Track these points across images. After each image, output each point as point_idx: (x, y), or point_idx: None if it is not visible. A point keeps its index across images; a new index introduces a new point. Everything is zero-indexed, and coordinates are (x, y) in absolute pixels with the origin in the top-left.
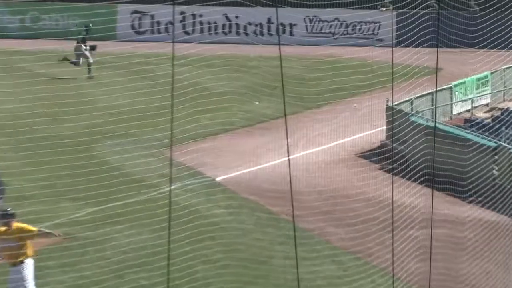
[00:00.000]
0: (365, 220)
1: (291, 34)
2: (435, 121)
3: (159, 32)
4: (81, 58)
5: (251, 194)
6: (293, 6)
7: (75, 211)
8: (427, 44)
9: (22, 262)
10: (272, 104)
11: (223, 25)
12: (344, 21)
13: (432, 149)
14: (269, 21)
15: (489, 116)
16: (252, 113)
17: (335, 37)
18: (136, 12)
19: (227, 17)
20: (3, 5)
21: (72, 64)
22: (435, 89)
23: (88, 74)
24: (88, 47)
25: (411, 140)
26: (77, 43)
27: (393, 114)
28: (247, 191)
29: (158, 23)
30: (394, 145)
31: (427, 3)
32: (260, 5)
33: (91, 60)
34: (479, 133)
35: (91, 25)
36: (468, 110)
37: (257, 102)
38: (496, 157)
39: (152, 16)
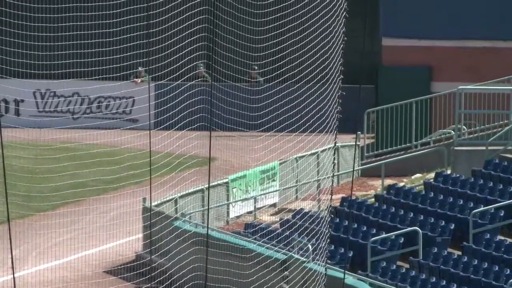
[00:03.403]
0: None
1: (17, 113)
2: (208, 227)
3: None
4: None
5: None
6: (18, 76)
7: None
8: (196, 126)
9: None
10: None
11: None
12: (87, 96)
13: (204, 262)
14: None
15: (277, 220)
16: None
17: (74, 116)
18: None
19: None
20: None
21: None
22: (207, 185)
23: None
24: None
25: (174, 251)
26: None
27: (151, 218)
28: None
29: None
30: (152, 257)
31: (196, 81)
32: None
33: None
34: (263, 242)
35: None
36: (249, 212)
37: None
38: (286, 272)
39: None
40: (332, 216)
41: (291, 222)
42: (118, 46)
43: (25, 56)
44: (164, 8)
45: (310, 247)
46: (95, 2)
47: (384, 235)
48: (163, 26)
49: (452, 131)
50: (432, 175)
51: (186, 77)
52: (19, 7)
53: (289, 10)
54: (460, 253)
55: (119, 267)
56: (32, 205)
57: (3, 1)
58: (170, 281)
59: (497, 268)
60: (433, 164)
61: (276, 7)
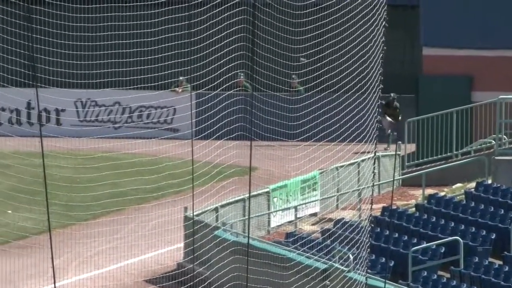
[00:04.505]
0: None
1: (58, 123)
2: (248, 236)
3: None
4: None
5: None
6: (60, 85)
7: None
8: (235, 135)
9: None
10: (33, 214)
11: None
12: (128, 105)
13: (244, 272)
14: (29, 106)
15: (318, 229)
16: (7, 226)
17: (115, 126)
18: None
19: None
20: None
21: None
22: (247, 194)
23: None
24: None
25: (214, 260)
26: None
27: (193, 226)
28: None
29: None
30: (193, 266)
31: (234, 90)
32: (17, 85)
33: None
34: (304, 252)
35: None
36: (290, 222)
37: (9, 212)
38: (327, 281)
39: None
40: (373, 225)
41: (331, 231)
42: (159, 55)
43: (66, 65)
44: (204, 17)
45: (351, 256)
46: (136, 11)
47: (425, 245)
48: (204, 35)
49: (493, 141)
50: (473, 184)
51: (225, 86)
52: (59, 16)
53: (328, 19)
54: (501, 262)
55: (159, 276)
56: (73, 215)
57: (43, 11)
58: None
59: None
60: (474, 173)
61: (316, 16)
